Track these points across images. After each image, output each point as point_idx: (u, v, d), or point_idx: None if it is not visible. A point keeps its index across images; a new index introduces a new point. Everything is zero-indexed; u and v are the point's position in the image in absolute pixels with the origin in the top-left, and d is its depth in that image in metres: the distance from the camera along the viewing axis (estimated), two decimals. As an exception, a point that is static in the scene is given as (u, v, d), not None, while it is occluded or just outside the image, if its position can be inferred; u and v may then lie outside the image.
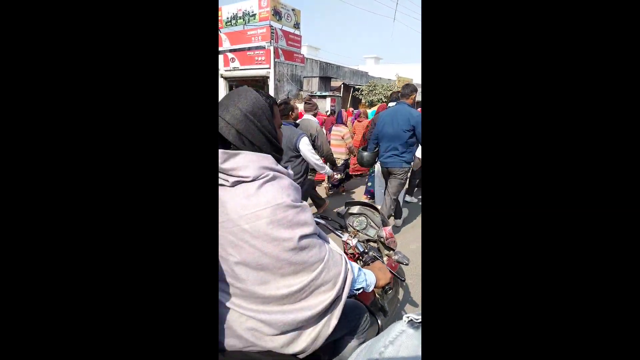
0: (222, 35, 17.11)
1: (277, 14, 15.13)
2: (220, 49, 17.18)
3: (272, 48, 14.74)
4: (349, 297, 1.04)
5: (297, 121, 3.47)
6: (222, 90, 17.98)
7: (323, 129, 4.43)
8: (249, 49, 15.69)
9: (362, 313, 1.21)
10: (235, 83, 17.92)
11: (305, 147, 3.14)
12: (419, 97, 8.47)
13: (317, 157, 3.32)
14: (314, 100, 5.67)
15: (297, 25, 16.51)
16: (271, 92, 15.25)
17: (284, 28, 15.66)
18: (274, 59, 14.89)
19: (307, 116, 4.03)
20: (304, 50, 18.53)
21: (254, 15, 15.47)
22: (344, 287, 0.96)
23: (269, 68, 15.02)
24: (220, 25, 17.36)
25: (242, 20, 16.16)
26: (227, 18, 16.89)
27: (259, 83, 16.22)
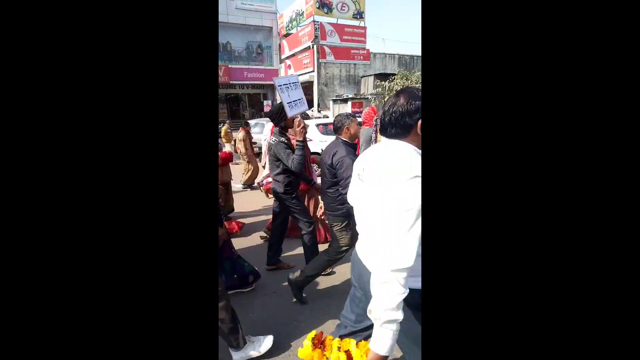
0: (284, 43, 16.12)
1: (324, 6, 12.74)
2: (283, 56, 16.45)
3: (315, 47, 13.03)
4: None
5: None
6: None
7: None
8: (300, 52, 14.29)
9: None
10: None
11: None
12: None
13: None
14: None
15: (358, 15, 13.56)
16: (315, 98, 13.56)
17: (339, 21, 13.24)
18: (318, 59, 13.10)
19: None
20: (374, 44, 16.43)
21: (302, 13, 14.00)
22: None
23: (312, 71, 13.36)
24: (281, 32, 16.67)
25: (295, 22, 14.97)
26: (286, 23, 15.91)
27: (308, 91, 14.69)
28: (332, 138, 2.23)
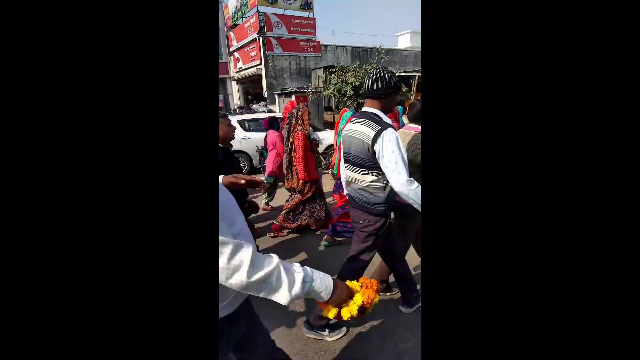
0: (231, 34, 15.44)
1: (269, -4, 12.28)
2: (231, 49, 15.78)
3: (260, 39, 12.63)
4: None
5: None
6: (236, 92, 16.27)
7: None
8: (247, 44, 13.77)
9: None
10: (246, 84, 16.15)
11: None
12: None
13: None
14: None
15: (306, 6, 13.32)
16: (264, 92, 13.17)
17: (286, 12, 12.88)
18: (264, 51, 12.72)
19: None
20: (325, 36, 16.14)
21: (246, 3, 13.47)
22: None
23: (260, 64, 12.98)
24: (228, 24, 16.01)
25: (240, 12, 14.37)
26: (232, 14, 15.23)
27: (257, 84, 14.24)
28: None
